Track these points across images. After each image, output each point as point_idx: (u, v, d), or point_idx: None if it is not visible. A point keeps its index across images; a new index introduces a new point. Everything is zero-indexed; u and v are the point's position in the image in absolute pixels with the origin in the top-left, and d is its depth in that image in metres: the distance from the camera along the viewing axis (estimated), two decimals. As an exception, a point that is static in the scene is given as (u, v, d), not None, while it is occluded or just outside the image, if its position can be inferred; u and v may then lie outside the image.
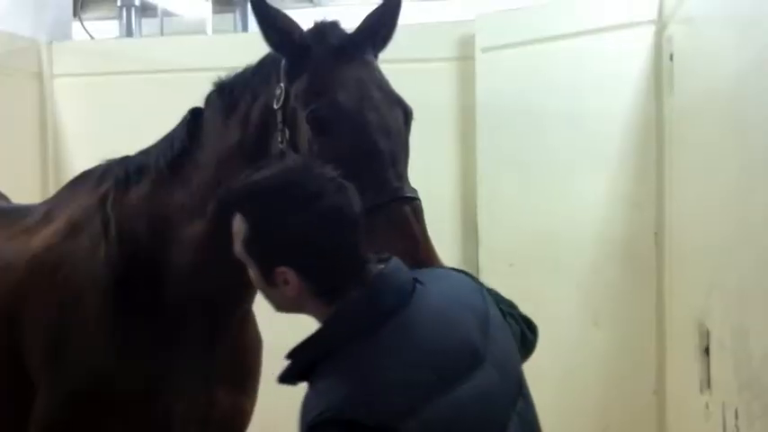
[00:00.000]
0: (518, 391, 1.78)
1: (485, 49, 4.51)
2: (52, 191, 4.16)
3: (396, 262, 1.79)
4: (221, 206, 1.82)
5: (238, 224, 1.78)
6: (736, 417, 2.50)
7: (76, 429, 2.41)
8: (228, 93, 2.40)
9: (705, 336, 2.93)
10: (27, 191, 4.06)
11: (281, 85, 2.22)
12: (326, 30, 2.25)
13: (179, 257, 2.41)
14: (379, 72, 2.25)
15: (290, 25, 2.24)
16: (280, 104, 2.21)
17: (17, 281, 2.55)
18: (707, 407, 2.88)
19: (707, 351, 2.92)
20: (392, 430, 1.56)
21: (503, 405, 1.73)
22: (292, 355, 1.76)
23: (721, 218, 2.81)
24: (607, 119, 4.07)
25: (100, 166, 2.69)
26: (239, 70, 2.45)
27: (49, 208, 2.75)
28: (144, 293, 2.43)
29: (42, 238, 2.61)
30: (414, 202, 2.04)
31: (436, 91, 4.60)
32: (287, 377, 1.77)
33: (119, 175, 2.56)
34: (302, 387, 1.75)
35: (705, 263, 3.03)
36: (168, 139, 2.52)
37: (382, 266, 1.77)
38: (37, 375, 2.47)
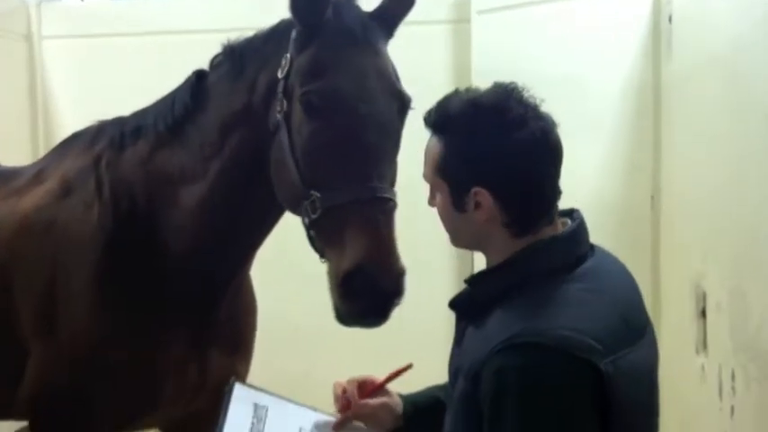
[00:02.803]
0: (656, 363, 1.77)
1: (481, 12, 4.45)
2: (42, 154, 4.12)
3: (578, 214, 1.78)
4: (432, 126, 1.75)
5: (433, 146, 1.74)
6: (733, 378, 2.51)
7: (67, 394, 2.39)
8: (239, 57, 2.37)
9: (702, 298, 2.93)
10: (16, 154, 4.00)
11: (288, 55, 2.20)
12: (341, 8, 2.21)
13: (176, 220, 2.38)
14: (384, 58, 2.22)
15: None
16: (284, 74, 2.19)
17: (7, 242, 2.52)
18: (702, 369, 2.89)
19: (703, 313, 2.92)
20: (590, 365, 1.51)
21: (654, 373, 1.73)
22: (475, 281, 1.75)
23: (718, 181, 2.80)
24: (605, 82, 4.03)
25: (92, 126, 2.65)
26: (250, 35, 2.41)
27: (40, 168, 2.71)
28: (138, 257, 2.41)
29: (33, 198, 2.57)
30: (388, 203, 2.05)
31: (431, 54, 4.56)
32: (462, 303, 1.76)
33: (113, 136, 2.53)
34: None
35: (702, 225, 3.02)
36: (169, 101, 2.48)
37: (566, 219, 1.77)
38: (29, 338, 2.45)
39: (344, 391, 1.98)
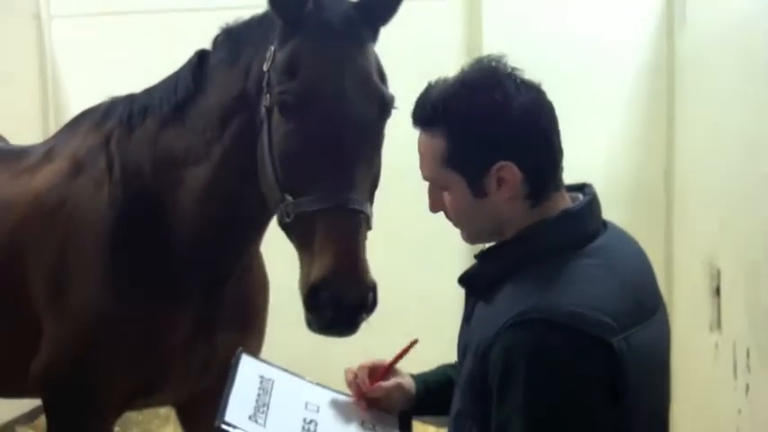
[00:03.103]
0: (668, 341, 1.74)
1: (492, -13, 4.41)
2: (52, 132, 4.12)
3: (591, 189, 1.72)
4: (427, 121, 1.67)
5: (431, 142, 1.66)
6: (748, 356, 2.48)
7: (77, 369, 2.41)
8: (235, 41, 2.33)
9: (716, 275, 2.90)
10: (27, 133, 4.00)
11: (272, 47, 2.14)
12: (324, 0, 2.12)
13: (182, 201, 2.38)
14: (366, 56, 2.13)
15: None
16: (268, 67, 2.14)
17: (20, 220, 2.53)
18: (716, 347, 2.87)
19: (717, 291, 2.90)
20: (602, 342, 1.47)
21: (666, 353, 1.70)
22: (485, 256, 1.70)
23: (734, 155, 2.76)
24: (618, 56, 4.00)
25: (103, 103, 2.64)
26: (248, 18, 2.36)
27: (51, 146, 2.71)
28: (147, 236, 2.41)
29: (45, 176, 2.57)
30: (359, 215, 1.99)
31: (442, 29, 4.51)
32: (471, 279, 1.72)
33: (123, 114, 2.52)
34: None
35: (717, 201, 2.99)
36: (172, 82, 2.46)
37: (578, 194, 1.72)
38: (41, 315, 2.46)
39: (356, 377, 1.96)
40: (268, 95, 2.11)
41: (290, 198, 2.03)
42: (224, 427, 1.66)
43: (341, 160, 2.01)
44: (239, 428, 1.67)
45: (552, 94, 1.70)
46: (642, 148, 3.97)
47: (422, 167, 1.71)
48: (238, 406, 1.73)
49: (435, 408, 1.91)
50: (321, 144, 2.01)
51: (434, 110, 1.65)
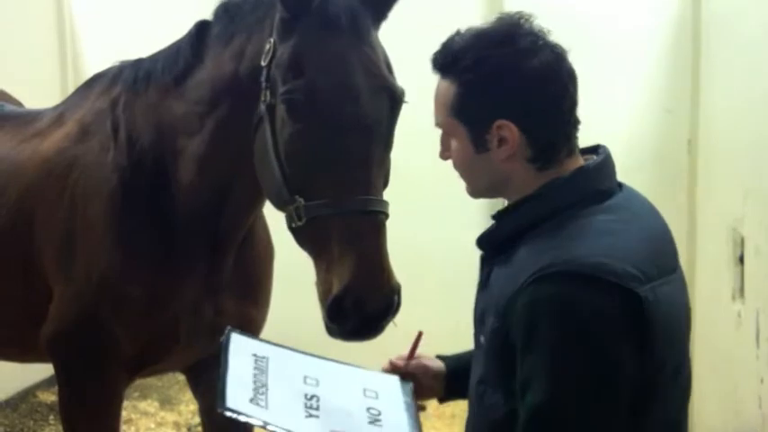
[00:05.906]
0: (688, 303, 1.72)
1: (514, -50, 4.34)
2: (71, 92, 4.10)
3: (604, 149, 1.71)
4: (440, 68, 1.68)
5: (444, 90, 1.68)
6: (771, 325, 2.46)
7: (85, 334, 2.42)
8: (230, 19, 2.26)
9: (739, 243, 2.87)
10: (46, 93, 3.99)
11: (272, 39, 2.07)
12: None
13: (179, 169, 2.36)
14: (374, 49, 2.06)
15: None
16: (267, 62, 2.06)
17: (29, 184, 2.54)
18: (739, 315, 2.84)
19: (741, 259, 2.86)
20: (628, 292, 1.46)
21: (687, 316, 1.68)
22: (501, 216, 1.69)
23: (759, 121, 2.72)
24: (643, 20, 3.93)
25: (113, 67, 2.63)
26: None
27: (62, 111, 2.71)
28: (150, 202, 2.40)
29: (54, 141, 2.58)
30: (378, 216, 1.94)
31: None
32: (489, 239, 1.71)
33: (129, 79, 2.50)
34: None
35: (741, 168, 2.94)
36: (174, 51, 2.43)
37: (591, 155, 1.71)
38: (51, 277, 2.48)
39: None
40: (268, 92, 2.05)
41: (300, 200, 1.97)
42: (227, 413, 1.61)
43: (355, 161, 1.95)
44: (243, 414, 1.62)
45: (574, 59, 1.67)
46: (666, 116, 3.92)
47: (434, 112, 1.72)
48: (237, 390, 1.68)
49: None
50: (333, 145, 1.95)
51: (449, 58, 1.66)
